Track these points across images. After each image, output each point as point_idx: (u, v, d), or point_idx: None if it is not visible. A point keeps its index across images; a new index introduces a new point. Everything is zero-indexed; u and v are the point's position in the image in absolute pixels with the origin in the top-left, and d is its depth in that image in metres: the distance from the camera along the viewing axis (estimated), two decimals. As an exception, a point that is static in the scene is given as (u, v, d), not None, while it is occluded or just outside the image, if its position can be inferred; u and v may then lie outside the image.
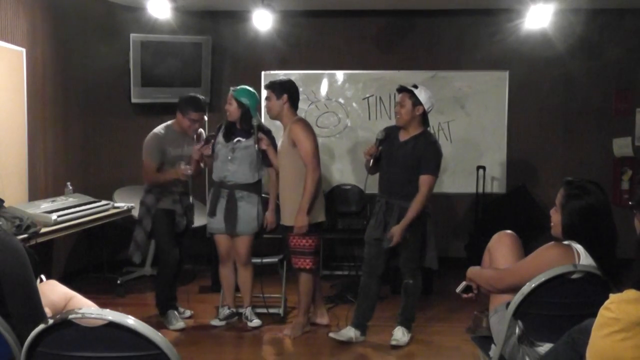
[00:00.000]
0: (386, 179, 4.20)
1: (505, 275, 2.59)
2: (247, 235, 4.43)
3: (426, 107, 4.07)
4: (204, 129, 5.29)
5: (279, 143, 4.41)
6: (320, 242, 4.46)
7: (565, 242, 2.48)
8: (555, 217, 2.55)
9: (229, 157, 4.40)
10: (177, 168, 4.41)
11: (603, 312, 1.63)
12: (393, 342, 4.15)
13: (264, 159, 4.45)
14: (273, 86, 4.34)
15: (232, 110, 4.40)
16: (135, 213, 5.38)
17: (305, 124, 4.30)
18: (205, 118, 4.56)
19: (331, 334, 4.27)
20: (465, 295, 2.81)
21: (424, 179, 4.01)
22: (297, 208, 4.18)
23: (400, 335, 4.17)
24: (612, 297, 1.64)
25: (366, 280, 4.24)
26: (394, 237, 4.00)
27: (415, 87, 4.09)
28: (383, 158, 4.21)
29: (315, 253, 4.34)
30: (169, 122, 4.55)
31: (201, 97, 4.58)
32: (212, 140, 4.50)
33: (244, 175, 4.39)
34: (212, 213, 4.43)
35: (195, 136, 4.57)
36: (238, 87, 4.47)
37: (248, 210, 4.39)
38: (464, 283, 2.80)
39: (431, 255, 4.14)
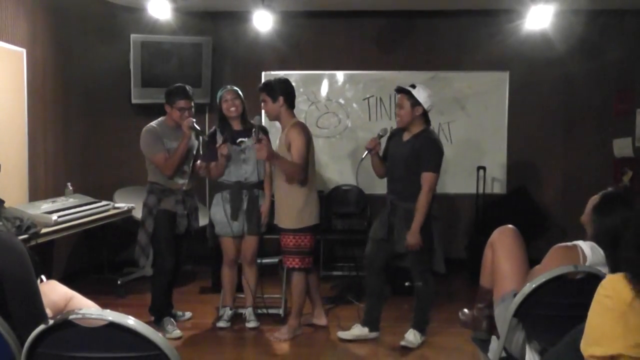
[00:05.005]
0: (391, 179, 4.21)
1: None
2: (259, 233, 4.48)
3: (425, 106, 4.00)
4: (206, 128, 5.26)
5: (275, 143, 4.40)
6: (313, 242, 4.32)
7: (570, 244, 2.47)
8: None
9: (242, 158, 4.40)
10: (182, 124, 4.25)
11: (599, 290, 1.70)
12: (402, 343, 4.14)
13: None
14: (267, 88, 4.20)
15: (238, 107, 4.39)
16: (137, 214, 5.39)
17: (301, 128, 4.17)
18: (192, 104, 4.35)
19: (339, 334, 4.26)
20: None
21: (424, 177, 3.96)
22: (290, 211, 4.17)
23: (411, 337, 4.15)
24: (609, 276, 1.72)
25: (366, 275, 4.28)
26: (410, 244, 3.95)
27: (414, 86, 4.02)
28: (388, 158, 4.22)
29: (307, 253, 4.26)
30: (160, 119, 4.41)
31: (187, 86, 4.42)
32: (224, 139, 4.38)
33: (259, 174, 4.45)
34: (235, 217, 4.38)
35: (190, 129, 4.28)
36: (232, 86, 4.47)
37: (259, 208, 4.46)
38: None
39: (439, 259, 4.11)
